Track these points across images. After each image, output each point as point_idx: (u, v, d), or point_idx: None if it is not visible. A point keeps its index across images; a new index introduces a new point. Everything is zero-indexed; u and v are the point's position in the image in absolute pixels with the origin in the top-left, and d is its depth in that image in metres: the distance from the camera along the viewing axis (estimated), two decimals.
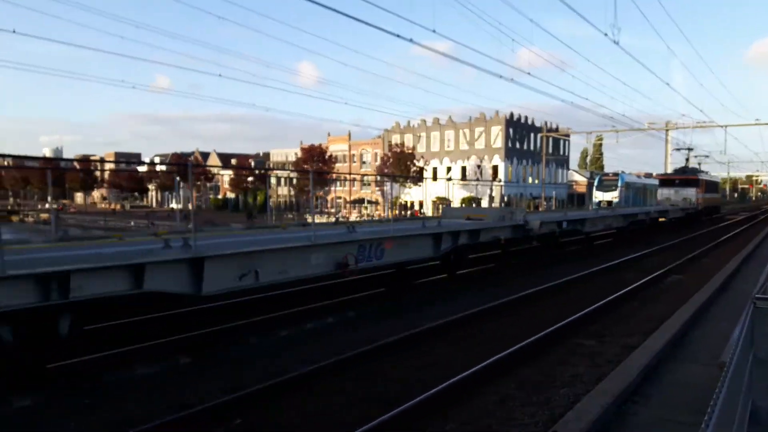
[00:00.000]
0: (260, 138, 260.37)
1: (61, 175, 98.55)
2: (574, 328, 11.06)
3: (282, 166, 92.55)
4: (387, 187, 74.48)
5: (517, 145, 72.17)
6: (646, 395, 6.76)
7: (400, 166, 66.00)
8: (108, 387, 8.28)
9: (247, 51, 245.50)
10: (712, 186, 60.14)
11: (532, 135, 74.27)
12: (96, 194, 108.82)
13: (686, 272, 19.47)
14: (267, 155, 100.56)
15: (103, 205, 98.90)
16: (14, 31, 16.79)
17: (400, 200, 71.01)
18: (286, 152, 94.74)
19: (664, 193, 51.42)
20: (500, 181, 66.83)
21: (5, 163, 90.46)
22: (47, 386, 8.11)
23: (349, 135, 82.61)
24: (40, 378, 8.26)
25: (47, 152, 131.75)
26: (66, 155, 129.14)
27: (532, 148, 74.27)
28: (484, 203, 63.01)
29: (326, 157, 75.67)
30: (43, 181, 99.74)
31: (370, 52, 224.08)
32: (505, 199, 65.05)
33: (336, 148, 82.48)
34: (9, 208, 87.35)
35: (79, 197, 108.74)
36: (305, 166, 73.80)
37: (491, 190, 65.68)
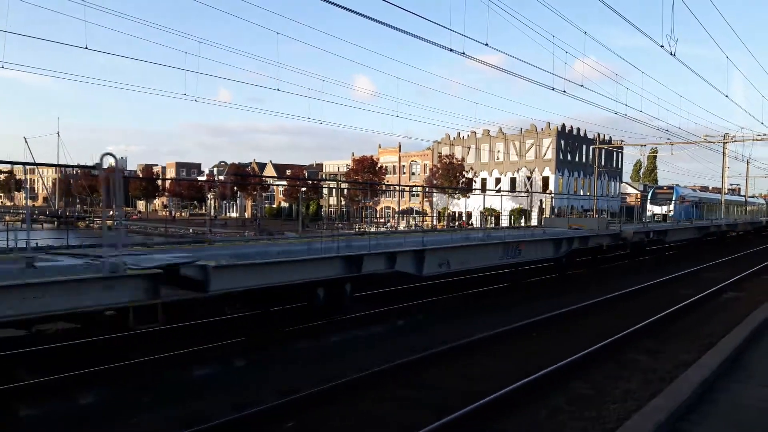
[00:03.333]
0: (315, 149, 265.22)
1: (124, 183, 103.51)
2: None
3: (334, 176, 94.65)
4: (435, 198, 75.33)
5: (569, 157, 71.80)
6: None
7: (449, 178, 66.75)
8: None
9: (305, 66, 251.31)
10: None
11: (583, 147, 73.74)
12: (157, 202, 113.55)
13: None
14: (320, 166, 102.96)
15: (163, 213, 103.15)
16: (86, 47, 18.40)
17: (448, 211, 71.67)
18: (338, 163, 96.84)
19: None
20: (551, 192, 66.69)
21: (74, 172, 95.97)
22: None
23: (399, 146, 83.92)
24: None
25: (112, 162, 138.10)
26: (130, 165, 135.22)
27: (583, 159, 73.74)
28: (534, 215, 62.98)
29: (377, 168, 77.18)
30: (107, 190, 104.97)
31: (423, 66, 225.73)
32: (556, 211, 64.83)
33: (386, 159, 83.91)
34: (76, 214, 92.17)
35: (141, 205, 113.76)
36: (356, 177, 75.60)
37: (541, 202, 65.61)
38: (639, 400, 8.01)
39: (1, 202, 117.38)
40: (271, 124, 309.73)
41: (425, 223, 70.29)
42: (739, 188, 74.16)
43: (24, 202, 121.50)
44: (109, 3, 18.03)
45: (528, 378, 8.94)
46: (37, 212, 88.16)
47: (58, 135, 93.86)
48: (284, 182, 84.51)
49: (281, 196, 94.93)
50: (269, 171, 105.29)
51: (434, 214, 72.18)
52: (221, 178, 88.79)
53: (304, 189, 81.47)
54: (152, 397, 8.73)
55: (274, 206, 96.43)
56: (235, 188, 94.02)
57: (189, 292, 9.93)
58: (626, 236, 23.84)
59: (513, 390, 8.45)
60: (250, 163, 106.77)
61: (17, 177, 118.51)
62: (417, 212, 78.01)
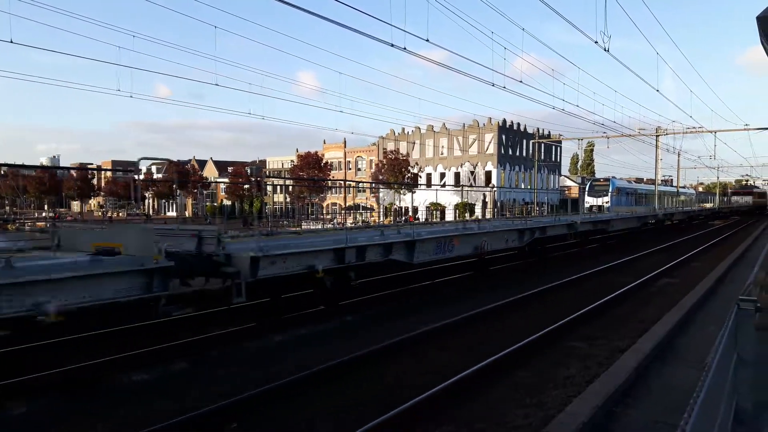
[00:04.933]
0: (258, 146, 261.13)
1: (57, 183, 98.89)
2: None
3: (278, 173, 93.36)
4: (382, 193, 75.48)
5: (510, 152, 73.34)
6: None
7: (395, 173, 66.96)
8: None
9: (245, 60, 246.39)
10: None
11: (524, 141, 75.48)
12: (93, 202, 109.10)
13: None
14: (263, 162, 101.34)
15: (98, 214, 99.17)
16: (11, 41, 17.34)
17: (395, 206, 71.96)
18: (282, 159, 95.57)
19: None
20: (493, 186, 67.96)
21: (1, 171, 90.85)
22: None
23: (345, 142, 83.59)
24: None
25: (44, 161, 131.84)
26: (63, 164, 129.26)
27: (524, 154, 75.47)
28: (477, 209, 64.05)
29: (322, 164, 76.61)
30: (39, 190, 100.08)
31: (365, 61, 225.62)
32: (498, 204, 66.13)
33: (331, 156, 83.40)
34: (5, 216, 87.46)
35: (75, 205, 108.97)
36: (301, 173, 74.80)
37: (484, 195, 66.76)
38: (579, 385, 8.19)
39: None
40: (212, 120, 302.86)
41: (372, 218, 70.39)
42: (672, 179, 77.73)
43: None
44: None
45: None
46: None
47: None
48: (225, 180, 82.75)
49: (223, 194, 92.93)
50: (210, 168, 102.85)
51: (381, 210, 72.32)
52: (159, 176, 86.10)
53: (247, 186, 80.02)
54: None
55: (216, 204, 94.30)
56: (175, 186, 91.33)
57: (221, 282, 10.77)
58: (577, 226, 26.42)
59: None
60: (190, 160, 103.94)
61: None
62: (364, 208, 77.96)
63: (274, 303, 13.43)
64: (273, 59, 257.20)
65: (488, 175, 71.16)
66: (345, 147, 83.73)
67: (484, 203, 65.35)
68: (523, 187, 74.87)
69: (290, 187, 79.33)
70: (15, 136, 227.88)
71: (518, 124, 74.73)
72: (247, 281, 10.63)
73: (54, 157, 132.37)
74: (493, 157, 70.72)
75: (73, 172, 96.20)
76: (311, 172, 72.83)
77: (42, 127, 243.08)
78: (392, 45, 16.50)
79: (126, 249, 9.89)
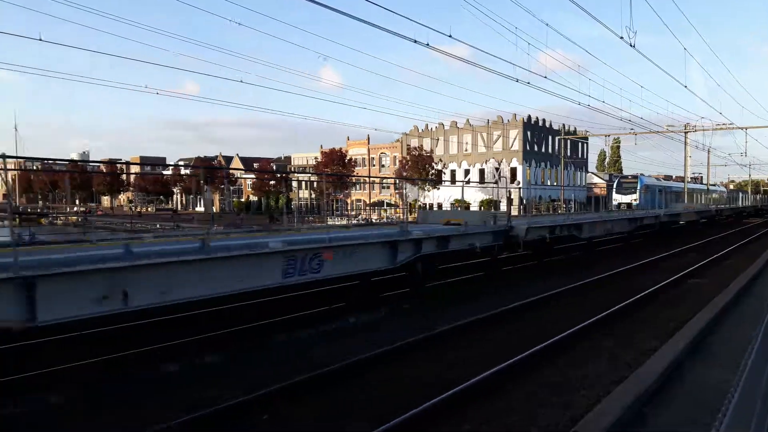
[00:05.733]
0: (282, 142, 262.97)
1: (88, 178, 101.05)
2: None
3: (303, 169, 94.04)
4: (406, 189, 75.51)
5: (536, 148, 72.75)
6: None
7: (419, 169, 66.96)
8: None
9: (269, 57, 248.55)
10: None
11: (549, 137, 74.79)
12: (122, 197, 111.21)
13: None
14: (288, 159, 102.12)
15: (128, 209, 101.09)
16: (41, 39, 17.72)
17: (419, 203, 71.97)
18: (306, 156, 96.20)
19: None
20: (518, 183, 67.49)
21: (34, 167, 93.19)
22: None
23: (368, 139, 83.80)
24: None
25: (74, 157, 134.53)
26: (93, 159, 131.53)
27: (550, 150, 74.80)
28: (503, 206, 63.63)
29: (346, 160, 76.93)
30: (71, 185, 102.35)
31: (388, 57, 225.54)
32: (524, 201, 65.67)
33: (355, 152, 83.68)
34: (39, 210, 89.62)
35: (105, 200, 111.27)
36: (325, 170, 75.22)
37: (509, 192, 66.33)
38: (607, 385, 8.16)
39: None
40: (237, 117, 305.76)
41: (397, 215, 70.51)
42: (701, 176, 76.31)
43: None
44: None
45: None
46: None
47: (16, 129, 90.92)
48: (252, 175, 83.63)
49: (249, 189, 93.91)
50: (236, 164, 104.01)
51: (405, 206, 72.36)
52: (187, 171, 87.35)
53: (273, 182, 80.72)
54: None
55: (243, 200, 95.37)
56: (202, 182, 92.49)
57: None
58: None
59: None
60: (216, 156, 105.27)
61: None
62: (388, 204, 78.08)
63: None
64: (295, 55, 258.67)
65: (513, 171, 70.69)
66: (369, 143, 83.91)
67: (509, 200, 64.92)
68: (549, 184, 74.20)
69: (315, 184, 79.91)
70: (48, 132, 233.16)
71: (543, 120, 74.08)
72: None
73: (84, 152, 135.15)
74: (519, 154, 70.24)
75: (102, 167, 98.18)
76: (335, 169, 73.21)
77: (74, 123, 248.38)
78: (415, 41, 16.58)
79: (466, 223, 17.15)
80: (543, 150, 74.12)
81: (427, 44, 16.86)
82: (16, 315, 7.25)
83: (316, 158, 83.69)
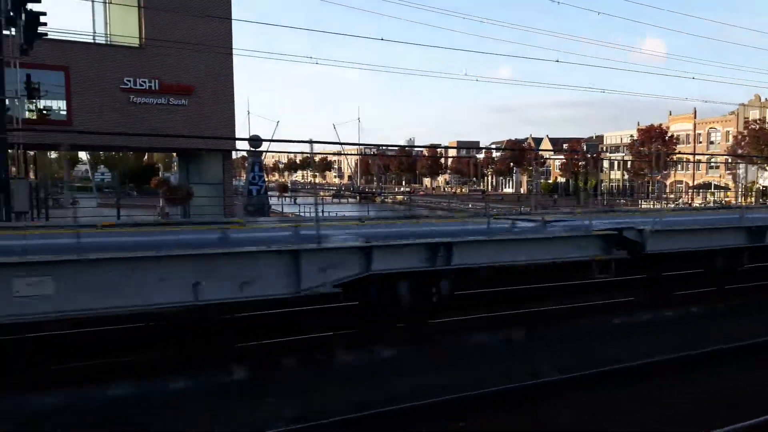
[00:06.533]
0: (595, 121, 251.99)
1: (413, 162, 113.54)
2: None
3: (615, 149, 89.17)
4: (740, 170, 65.49)
5: None
6: None
7: (760, 146, 57.45)
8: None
9: (585, 33, 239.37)
10: None
11: None
12: (440, 179, 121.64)
13: None
14: (600, 138, 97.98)
15: (446, 189, 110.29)
16: (382, 39, 20.88)
17: (758, 185, 61.73)
18: (620, 134, 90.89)
19: None
20: None
21: (371, 152, 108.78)
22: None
23: (695, 112, 74.85)
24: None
25: (402, 143, 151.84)
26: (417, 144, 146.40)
27: None
28: None
29: (666, 137, 70.33)
30: (399, 168, 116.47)
31: (719, 17, 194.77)
32: None
33: (678, 128, 75.76)
34: (373, 190, 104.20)
35: (426, 182, 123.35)
36: (641, 149, 69.99)
37: None
38: None
39: (317, 181, 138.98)
40: (550, 98, 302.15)
41: (726, 199, 61.83)
42: None
43: (333, 180, 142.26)
44: None
45: None
46: (342, 189, 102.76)
47: (359, 120, 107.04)
48: (561, 156, 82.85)
49: (557, 171, 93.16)
50: (545, 145, 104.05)
51: (739, 190, 62.98)
52: (498, 154, 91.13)
53: (582, 163, 78.77)
54: None
55: (550, 181, 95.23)
56: (511, 164, 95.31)
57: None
58: None
59: None
60: (526, 138, 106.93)
61: (328, 159, 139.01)
62: (716, 187, 68.98)
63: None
64: (613, 28, 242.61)
65: None
66: (695, 118, 74.97)
67: None
68: None
69: (629, 164, 75.13)
70: (380, 121, 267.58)
71: None
72: None
73: (410, 139, 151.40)
74: None
75: (424, 152, 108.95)
76: (654, 147, 67.57)
77: (402, 112, 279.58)
78: None
79: None
80: None
81: None
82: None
83: (631, 136, 78.48)
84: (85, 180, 67.48)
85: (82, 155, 57.69)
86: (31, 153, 20.50)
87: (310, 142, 59.92)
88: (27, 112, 20.60)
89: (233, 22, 26.51)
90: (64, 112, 23.59)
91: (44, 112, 22.63)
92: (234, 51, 26.57)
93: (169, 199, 27.78)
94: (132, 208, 22.96)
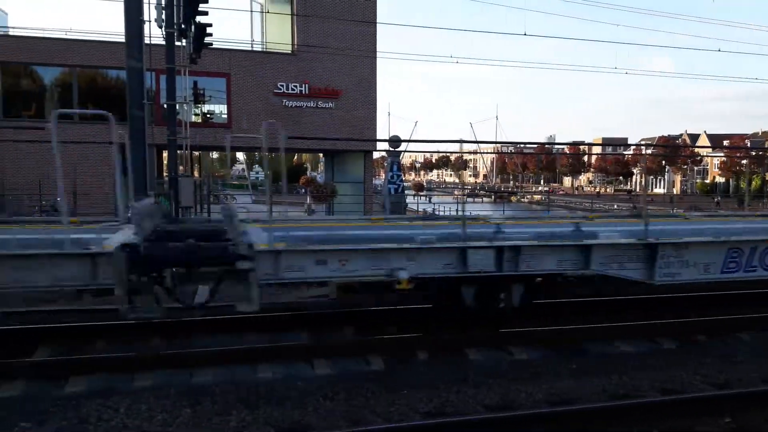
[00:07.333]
0: (764, 115, 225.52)
1: (552, 160, 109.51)
2: None
3: None
4: None
5: None
6: None
7: None
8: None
9: (751, 19, 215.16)
10: None
11: None
12: (583, 178, 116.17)
13: None
14: (766, 134, 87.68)
15: (589, 189, 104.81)
16: (525, 34, 20.29)
17: None
18: None
19: None
20: None
21: (509, 150, 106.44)
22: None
23: None
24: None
25: (542, 140, 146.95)
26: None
27: None
28: None
29: None
30: (537, 167, 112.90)
31: None
32: None
33: None
34: (510, 190, 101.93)
35: (567, 181, 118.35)
36: None
37: None
38: None
39: (452, 180, 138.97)
40: (714, 90, 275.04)
41: None
42: None
43: (468, 179, 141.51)
44: None
45: None
46: (477, 188, 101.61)
47: (497, 118, 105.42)
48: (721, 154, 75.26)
49: (716, 170, 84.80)
50: (702, 142, 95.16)
51: None
52: (648, 151, 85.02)
53: (745, 161, 70.98)
54: None
55: (707, 181, 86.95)
56: (663, 162, 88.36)
57: None
58: None
59: None
60: (681, 135, 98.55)
61: (463, 158, 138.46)
62: None
63: None
64: None
65: None
66: None
67: None
68: None
69: None
70: (518, 118, 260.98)
71: None
72: None
73: (550, 136, 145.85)
74: None
75: (566, 149, 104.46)
76: None
77: (541, 109, 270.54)
78: None
79: None
80: None
81: None
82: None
83: None
84: (241, 178, 73.51)
85: (240, 155, 62.83)
86: (196, 153, 22.85)
87: (448, 141, 60.00)
88: (193, 116, 22.89)
89: (377, 25, 27.44)
90: (225, 116, 25.92)
91: (208, 115, 25.06)
92: (378, 54, 27.49)
93: (315, 196, 29.51)
94: (282, 205, 24.56)
